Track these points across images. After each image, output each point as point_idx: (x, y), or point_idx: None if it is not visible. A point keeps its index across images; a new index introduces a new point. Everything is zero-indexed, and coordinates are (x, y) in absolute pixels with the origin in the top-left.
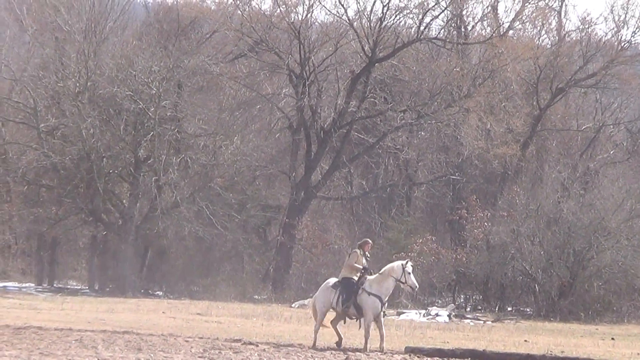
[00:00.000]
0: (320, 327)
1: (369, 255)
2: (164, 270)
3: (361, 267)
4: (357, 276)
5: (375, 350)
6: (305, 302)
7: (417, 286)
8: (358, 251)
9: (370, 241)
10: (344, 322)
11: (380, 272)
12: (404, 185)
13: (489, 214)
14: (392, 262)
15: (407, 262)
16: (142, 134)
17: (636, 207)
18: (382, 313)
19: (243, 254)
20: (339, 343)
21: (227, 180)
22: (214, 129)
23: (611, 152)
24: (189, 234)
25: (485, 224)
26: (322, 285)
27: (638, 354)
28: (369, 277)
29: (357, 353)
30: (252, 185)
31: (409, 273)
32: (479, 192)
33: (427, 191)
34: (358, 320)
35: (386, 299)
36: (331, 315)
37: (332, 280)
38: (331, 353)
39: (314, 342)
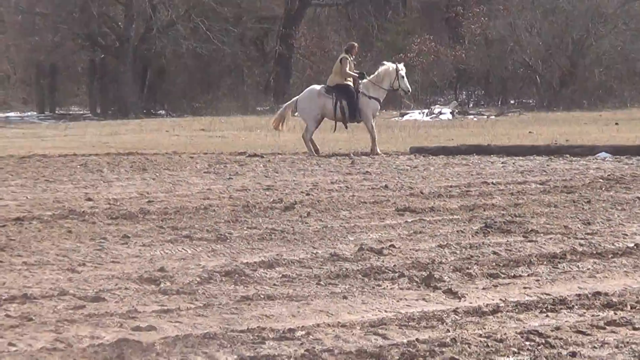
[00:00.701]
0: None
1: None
2: (165, 90)
3: (356, 74)
4: (350, 82)
5: (383, 152)
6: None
7: (410, 90)
8: (348, 56)
9: (356, 45)
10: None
11: (375, 74)
12: None
13: (485, 8)
14: (385, 65)
15: (400, 65)
16: None
17: None
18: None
19: (242, 67)
20: (317, 151)
21: None
22: None
23: None
24: (186, 51)
25: (482, 18)
26: (307, 93)
27: None
28: (364, 81)
29: (363, 156)
30: None
31: (402, 77)
32: None
33: None
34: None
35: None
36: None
37: (318, 87)
38: (336, 159)
39: (314, 149)
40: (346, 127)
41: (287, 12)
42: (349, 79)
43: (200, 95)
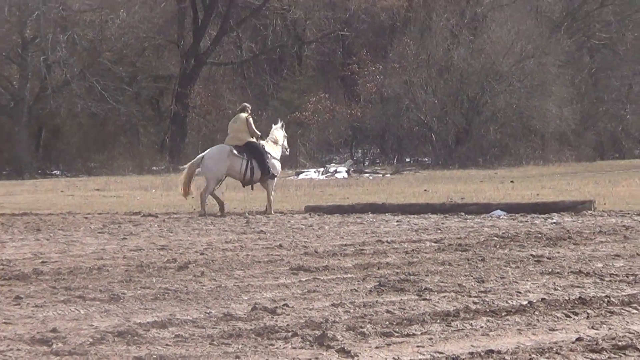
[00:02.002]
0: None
1: None
2: (60, 149)
3: (259, 133)
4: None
5: (277, 212)
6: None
7: (287, 149)
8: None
9: (248, 105)
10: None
11: (272, 135)
12: (293, 45)
13: (381, 67)
14: (276, 126)
15: (282, 125)
16: (27, 14)
17: (526, 49)
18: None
19: (138, 127)
20: (222, 209)
21: (116, 54)
22: (99, 4)
23: None
24: (81, 110)
25: (378, 77)
26: (217, 153)
27: (537, 194)
28: (263, 142)
29: (257, 216)
30: (142, 57)
31: (285, 137)
32: (368, 46)
33: (317, 49)
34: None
35: None
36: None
37: (228, 146)
38: (231, 218)
39: (219, 203)
40: (252, 188)
41: (183, 71)
42: (253, 136)
43: (95, 155)
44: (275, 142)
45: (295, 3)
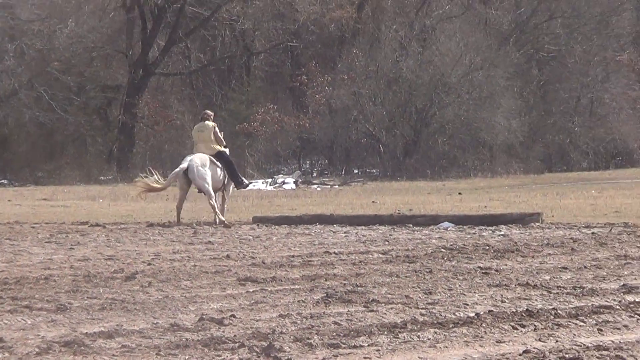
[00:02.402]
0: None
1: None
2: (7, 159)
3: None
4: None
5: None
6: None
7: None
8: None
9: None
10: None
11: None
12: (242, 55)
13: (329, 78)
14: None
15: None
16: None
17: (475, 61)
18: None
19: (86, 136)
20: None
21: (64, 64)
22: (48, 14)
23: (447, 8)
24: (29, 120)
25: (326, 88)
26: (200, 160)
27: (485, 206)
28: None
29: (205, 226)
30: (90, 67)
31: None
32: (317, 57)
33: (265, 60)
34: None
35: None
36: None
37: (207, 156)
38: (179, 228)
39: (220, 217)
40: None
41: (131, 81)
42: (220, 145)
43: (43, 165)
44: None
45: (244, 14)
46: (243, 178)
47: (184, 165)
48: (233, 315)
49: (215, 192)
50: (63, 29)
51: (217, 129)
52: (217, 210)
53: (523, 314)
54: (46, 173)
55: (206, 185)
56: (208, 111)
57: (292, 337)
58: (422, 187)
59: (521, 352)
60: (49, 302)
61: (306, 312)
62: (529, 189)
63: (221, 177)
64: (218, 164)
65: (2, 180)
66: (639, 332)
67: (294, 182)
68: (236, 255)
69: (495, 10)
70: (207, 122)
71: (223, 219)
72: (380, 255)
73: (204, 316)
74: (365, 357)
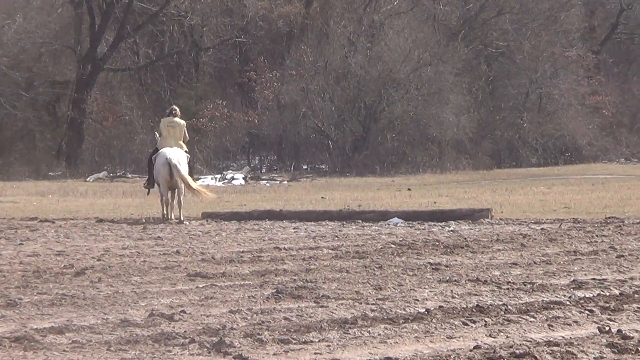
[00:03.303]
0: None
1: None
2: None
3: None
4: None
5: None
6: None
7: None
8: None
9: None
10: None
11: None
12: (190, 51)
13: (278, 74)
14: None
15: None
16: None
17: (423, 57)
18: None
19: (34, 132)
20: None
21: (12, 59)
22: None
23: (395, 3)
24: None
25: (275, 84)
26: (183, 155)
27: (434, 202)
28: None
29: (155, 223)
30: (39, 62)
31: None
32: (266, 53)
33: (214, 55)
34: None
35: None
36: None
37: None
38: (128, 224)
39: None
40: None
41: (79, 77)
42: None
43: None
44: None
45: (193, 9)
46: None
47: (163, 161)
48: (183, 311)
49: (171, 188)
50: (11, 25)
51: (186, 129)
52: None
53: (473, 310)
54: None
55: (187, 182)
56: (175, 107)
57: (242, 332)
58: (371, 183)
59: (472, 347)
60: None
61: (256, 307)
62: (478, 185)
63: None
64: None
65: None
66: (590, 327)
67: (243, 178)
68: (186, 251)
69: (443, 6)
70: (178, 119)
71: (181, 218)
72: (330, 251)
73: (154, 312)
74: (315, 353)
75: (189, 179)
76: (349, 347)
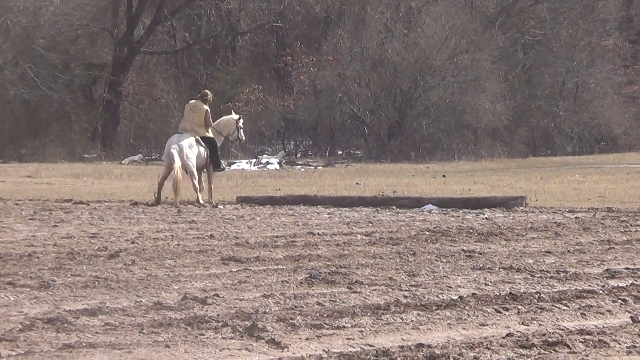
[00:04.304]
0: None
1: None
2: None
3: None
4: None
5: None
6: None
7: (244, 139)
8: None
9: (209, 92)
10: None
11: (216, 122)
12: (227, 35)
13: (314, 59)
14: (224, 117)
15: (239, 118)
16: None
17: (460, 44)
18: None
19: (70, 114)
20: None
21: (49, 41)
22: None
23: None
24: (14, 97)
25: (311, 69)
26: (188, 142)
27: (469, 189)
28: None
29: (189, 205)
30: (75, 45)
31: (241, 128)
32: (302, 38)
33: (251, 40)
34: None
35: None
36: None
37: (190, 135)
38: (162, 207)
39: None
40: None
41: (116, 60)
42: (210, 130)
43: (27, 142)
44: (220, 132)
45: None
46: (222, 162)
47: (173, 146)
48: (216, 295)
49: (199, 170)
50: (48, 6)
51: (209, 113)
52: (198, 190)
53: (506, 298)
54: (30, 150)
55: (191, 167)
56: (207, 91)
57: (275, 317)
58: (406, 170)
59: (504, 335)
60: (32, 279)
61: (289, 292)
62: (513, 172)
63: (205, 157)
64: (202, 143)
65: None
66: (622, 316)
67: (278, 163)
68: (220, 235)
69: None
70: (202, 104)
71: (201, 201)
72: (364, 237)
73: (187, 295)
74: (348, 338)
75: (180, 174)
76: (382, 333)
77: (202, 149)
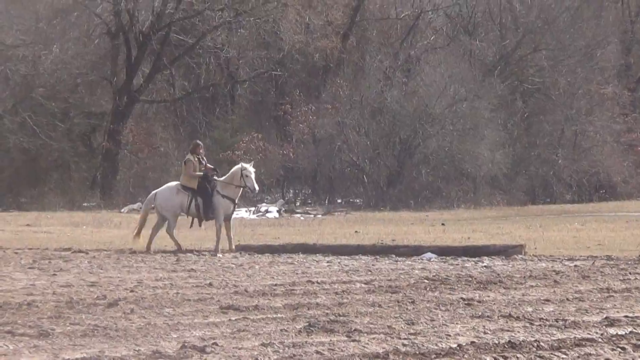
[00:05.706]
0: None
1: (203, 156)
2: None
3: (201, 173)
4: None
5: (226, 252)
6: (135, 206)
7: (256, 189)
8: (192, 157)
9: (200, 142)
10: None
11: (229, 173)
12: (226, 83)
13: (314, 107)
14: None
15: (247, 164)
16: None
17: (459, 92)
18: (233, 216)
19: (70, 163)
20: (180, 249)
21: (48, 90)
22: (32, 39)
23: (431, 39)
24: (13, 145)
25: (310, 117)
26: (167, 190)
27: (468, 238)
28: (219, 179)
29: (188, 254)
30: (75, 93)
31: (247, 176)
32: (302, 86)
33: (250, 88)
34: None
35: (236, 201)
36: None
37: (174, 183)
38: (161, 256)
39: (149, 246)
40: (200, 225)
41: (115, 108)
42: (193, 180)
43: (26, 190)
44: (229, 181)
45: (229, 42)
46: (211, 212)
47: (151, 195)
48: (215, 344)
49: (193, 218)
50: (48, 55)
51: (185, 163)
52: (176, 240)
53: (505, 346)
54: (29, 199)
55: (164, 214)
56: (196, 141)
57: None
58: (405, 218)
59: None
60: (31, 328)
61: (288, 341)
62: (512, 220)
63: (187, 206)
64: (186, 192)
65: None
66: None
67: (277, 211)
68: (219, 284)
69: (480, 42)
70: (189, 154)
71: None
72: (363, 285)
73: (186, 344)
74: None
75: (143, 222)
76: None
77: (185, 197)
